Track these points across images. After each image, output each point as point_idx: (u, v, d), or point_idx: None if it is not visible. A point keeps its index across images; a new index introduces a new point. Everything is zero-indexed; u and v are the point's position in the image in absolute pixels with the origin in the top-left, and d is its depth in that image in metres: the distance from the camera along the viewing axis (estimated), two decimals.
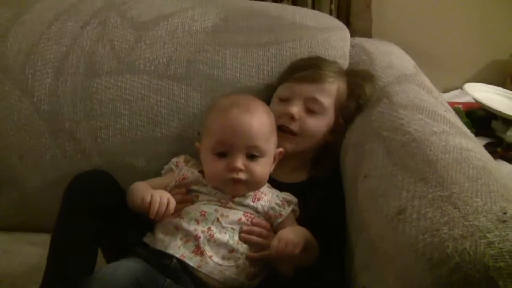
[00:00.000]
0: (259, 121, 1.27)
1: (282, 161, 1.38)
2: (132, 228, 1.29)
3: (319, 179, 1.44)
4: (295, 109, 1.42)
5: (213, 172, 1.27)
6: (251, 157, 1.26)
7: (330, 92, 1.45)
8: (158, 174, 1.55)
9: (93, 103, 1.57)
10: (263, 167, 1.28)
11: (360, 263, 1.11)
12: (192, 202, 1.29)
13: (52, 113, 1.57)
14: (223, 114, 1.28)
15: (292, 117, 1.41)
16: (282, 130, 1.41)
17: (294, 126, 1.42)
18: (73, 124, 1.57)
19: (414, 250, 0.87)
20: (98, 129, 1.57)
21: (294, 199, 1.32)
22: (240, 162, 1.24)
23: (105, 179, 1.31)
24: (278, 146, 1.36)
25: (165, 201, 1.20)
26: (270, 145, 1.30)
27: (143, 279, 1.11)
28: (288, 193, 1.33)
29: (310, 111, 1.43)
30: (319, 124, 1.44)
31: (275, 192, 1.33)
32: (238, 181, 1.25)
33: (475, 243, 0.81)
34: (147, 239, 1.26)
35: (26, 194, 1.59)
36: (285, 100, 1.45)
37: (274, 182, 1.37)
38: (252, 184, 1.28)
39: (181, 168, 1.37)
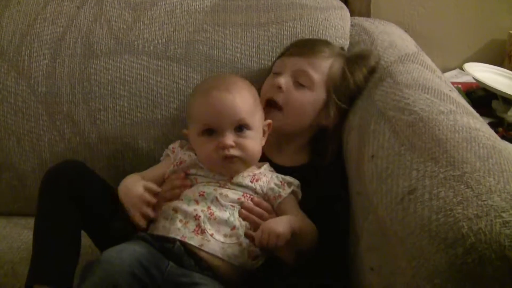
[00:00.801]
0: (240, 97, 1.27)
1: (280, 144, 1.38)
2: (118, 215, 1.29)
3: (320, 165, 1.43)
4: (283, 80, 1.40)
5: (205, 154, 1.27)
6: (239, 131, 1.26)
7: (320, 67, 1.42)
8: (157, 157, 1.54)
9: (92, 85, 1.55)
10: (253, 140, 1.28)
11: (367, 245, 1.09)
12: (191, 186, 1.28)
13: (50, 95, 1.56)
14: (204, 98, 1.28)
15: (279, 87, 1.40)
16: (270, 105, 1.41)
17: (280, 98, 1.40)
18: (71, 106, 1.55)
19: (427, 230, 0.85)
20: (97, 111, 1.55)
21: (295, 181, 1.31)
22: (229, 139, 1.24)
23: (79, 168, 1.32)
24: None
25: (146, 211, 1.23)
26: (255, 118, 1.29)
27: (146, 263, 1.11)
28: (289, 176, 1.31)
29: (298, 85, 1.41)
30: (305, 98, 1.41)
31: (275, 174, 1.32)
32: (231, 158, 1.25)
33: (490, 222, 0.80)
34: (150, 230, 1.25)
35: (24, 178, 1.58)
36: (277, 74, 1.44)
37: (275, 166, 1.36)
38: (246, 159, 1.27)
39: (177, 153, 1.36)
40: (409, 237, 0.89)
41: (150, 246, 1.16)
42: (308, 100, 1.41)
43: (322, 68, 1.42)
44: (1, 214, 1.61)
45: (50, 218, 1.24)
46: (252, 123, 1.27)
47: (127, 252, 1.11)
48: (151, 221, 1.26)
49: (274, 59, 1.54)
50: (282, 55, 1.51)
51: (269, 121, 1.34)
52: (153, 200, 1.24)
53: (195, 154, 1.32)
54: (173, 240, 1.18)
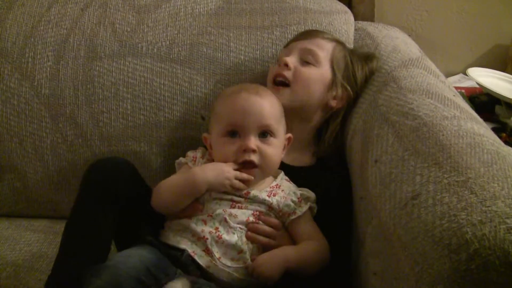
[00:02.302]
0: (269, 102, 1.27)
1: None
2: (146, 220, 1.27)
3: (325, 160, 1.43)
4: (289, 58, 1.42)
5: (224, 154, 1.24)
6: (263, 136, 1.24)
7: (325, 47, 1.45)
8: (160, 159, 1.55)
9: (95, 87, 1.55)
10: (276, 149, 1.26)
11: (370, 250, 1.09)
12: (203, 208, 1.23)
13: (53, 97, 1.55)
14: (233, 98, 1.26)
15: (286, 65, 1.40)
16: (276, 84, 1.41)
17: (287, 74, 1.40)
18: (74, 108, 1.55)
19: (430, 235, 0.85)
20: (100, 113, 1.55)
21: (312, 195, 1.29)
22: (253, 143, 1.22)
23: (124, 169, 1.28)
24: None
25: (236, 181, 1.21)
26: (280, 127, 1.28)
27: (154, 268, 1.10)
28: (307, 189, 1.30)
29: (305, 62, 1.42)
30: (312, 73, 1.42)
31: (293, 188, 1.30)
32: (250, 163, 1.22)
33: (495, 228, 0.80)
34: (160, 237, 1.24)
35: (26, 179, 1.58)
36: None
37: (282, 165, 1.34)
38: (264, 168, 1.25)
39: (199, 163, 1.30)
40: (413, 242, 0.89)
41: (158, 252, 1.15)
42: (315, 75, 1.42)
43: (327, 47, 1.45)
44: (3, 215, 1.60)
45: (84, 220, 1.21)
46: (277, 131, 1.26)
47: (134, 257, 1.10)
48: (161, 227, 1.26)
49: None
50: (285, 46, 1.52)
51: (289, 134, 1.33)
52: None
53: None
54: (182, 250, 1.17)
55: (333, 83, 1.43)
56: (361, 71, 1.46)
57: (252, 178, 1.23)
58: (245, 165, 1.23)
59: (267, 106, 1.25)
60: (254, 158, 1.22)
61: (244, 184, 1.22)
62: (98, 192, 1.21)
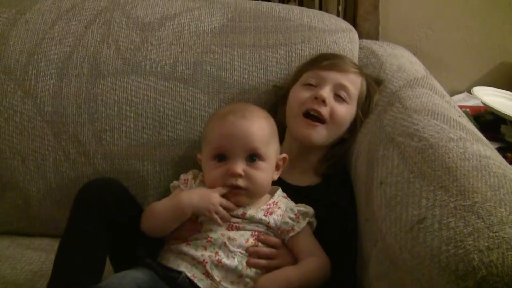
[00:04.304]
0: (256, 126, 1.25)
1: (290, 163, 1.35)
2: (142, 242, 1.26)
3: (331, 178, 1.42)
4: (326, 94, 1.39)
5: (212, 178, 1.24)
6: (251, 160, 1.23)
7: (356, 83, 1.44)
8: (162, 178, 1.54)
9: (98, 105, 1.54)
10: (264, 173, 1.25)
11: (375, 272, 1.08)
12: (201, 228, 1.24)
13: (56, 115, 1.54)
14: (220, 122, 1.26)
15: (323, 101, 1.38)
16: (309, 118, 1.39)
17: (324, 111, 1.38)
18: (77, 126, 1.54)
19: (437, 261, 0.84)
20: (103, 131, 1.53)
21: (310, 210, 1.28)
22: (239, 167, 1.21)
23: (115, 188, 1.27)
24: (303, 135, 1.38)
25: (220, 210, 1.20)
26: (270, 150, 1.26)
27: None
28: (304, 205, 1.28)
29: (338, 98, 1.41)
30: (347, 113, 1.42)
31: (291, 204, 1.29)
32: (237, 188, 1.22)
33: (502, 255, 0.79)
34: (159, 258, 1.23)
35: (29, 198, 1.56)
36: (312, 86, 1.43)
37: (286, 185, 1.35)
38: (253, 192, 1.24)
39: (191, 187, 1.31)
40: (419, 267, 0.88)
41: (153, 274, 1.14)
42: (348, 114, 1.42)
43: (357, 83, 1.44)
44: (4, 233, 1.59)
45: (77, 242, 1.19)
46: (265, 154, 1.24)
47: (129, 279, 1.09)
48: (159, 246, 1.26)
49: (283, 81, 1.55)
50: (310, 68, 1.48)
51: (284, 155, 1.32)
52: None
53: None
54: (180, 272, 1.16)
55: (354, 119, 1.44)
56: (377, 97, 1.46)
57: (235, 207, 1.23)
58: (232, 189, 1.22)
59: (255, 129, 1.24)
60: (240, 182, 1.22)
61: (228, 213, 1.22)
62: (87, 211, 1.20)
